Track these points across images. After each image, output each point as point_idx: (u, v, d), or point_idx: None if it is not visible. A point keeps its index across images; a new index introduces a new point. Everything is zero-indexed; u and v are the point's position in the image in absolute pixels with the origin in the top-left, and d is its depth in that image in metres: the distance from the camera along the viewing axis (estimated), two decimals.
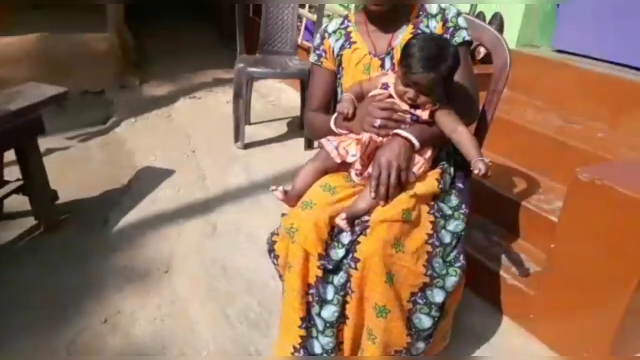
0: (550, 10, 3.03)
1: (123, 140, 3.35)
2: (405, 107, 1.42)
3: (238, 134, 3.30)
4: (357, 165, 1.44)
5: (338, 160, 1.46)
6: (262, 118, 3.83)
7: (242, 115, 3.29)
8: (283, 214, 1.55)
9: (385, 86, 1.47)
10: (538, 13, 3.02)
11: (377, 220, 1.34)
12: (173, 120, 3.74)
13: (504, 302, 1.93)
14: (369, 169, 1.43)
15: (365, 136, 1.42)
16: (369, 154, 1.43)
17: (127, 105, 3.87)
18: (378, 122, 1.42)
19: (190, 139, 3.42)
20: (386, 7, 1.51)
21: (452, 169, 1.57)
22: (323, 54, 1.67)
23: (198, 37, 6.06)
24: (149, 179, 2.87)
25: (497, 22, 3.02)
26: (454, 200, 1.52)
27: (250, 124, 3.65)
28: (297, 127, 3.66)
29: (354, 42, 1.61)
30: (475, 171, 1.34)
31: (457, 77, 1.50)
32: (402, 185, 1.40)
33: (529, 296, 1.83)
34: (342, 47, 1.63)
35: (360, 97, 1.53)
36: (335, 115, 1.57)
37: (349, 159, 1.45)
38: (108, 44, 4.15)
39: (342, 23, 1.67)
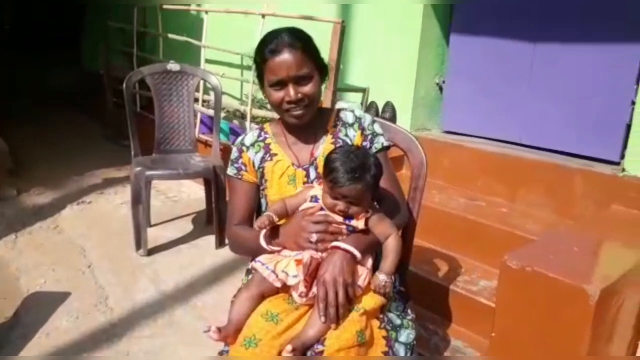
0: (436, 96, 3.29)
1: (4, 263, 2.92)
2: (339, 219, 1.39)
3: (140, 241, 3.05)
4: (301, 288, 1.35)
5: (278, 285, 1.37)
6: (164, 217, 3.60)
7: (142, 221, 3.06)
8: (221, 353, 1.39)
9: (315, 199, 1.43)
10: (426, 99, 3.26)
11: (333, 349, 1.25)
12: (62, 231, 3.37)
13: None
14: (313, 289, 1.35)
15: (305, 256, 1.35)
16: (311, 272, 1.36)
17: (5, 221, 3.42)
18: (314, 236, 1.36)
19: (85, 252, 3.08)
20: (305, 120, 1.51)
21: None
22: (243, 167, 1.61)
23: (81, 134, 5.69)
24: (40, 307, 2.49)
25: (390, 110, 3.20)
26: (399, 306, 1.49)
27: (151, 225, 3.40)
28: (204, 223, 3.49)
29: (275, 154, 1.58)
30: (372, 285, 1.37)
31: (382, 182, 1.52)
32: (349, 300, 1.34)
33: None
34: (262, 160, 1.59)
35: (284, 214, 1.47)
36: (264, 230, 1.48)
37: (290, 282, 1.36)
38: None
39: (259, 135, 1.63)
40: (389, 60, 3.29)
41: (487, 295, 2.08)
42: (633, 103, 2.40)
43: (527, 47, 2.80)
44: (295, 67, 1.43)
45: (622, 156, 2.46)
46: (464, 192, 2.73)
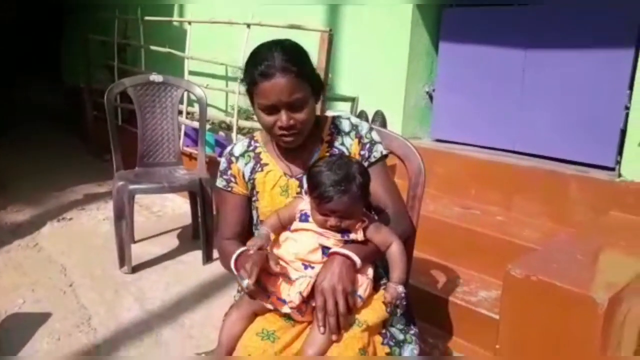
0: (426, 104, 3.26)
1: None
2: (330, 241, 1.30)
3: (123, 258, 2.93)
4: (296, 302, 1.27)
5: (270, 307, 1.28)
6: (148, 233, 3.48)
7: (126, 237, 2.95)
8: None
9: (304, 214, 1.35)
10: (416, 108, 3.23)
11: None
12: (41, 250, 3.23)
13: None
14: (311, 302, 1.27)
15: (302, 284, 1.26)
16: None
17: None
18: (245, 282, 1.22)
19: (66, 270, 2.95)
20: (296, 145, 1.42)
21: None
22: (232, 179, 1.52)
23: (62, 150, 5.55)
24: (19, 329, 2.36)
25: (380, 119, 3.16)
26: (401, 320, 1.41)
27: (135, 242, 3.28)
28: (190, 238, 3.39)
29: (266, 164, 1.50)
30: (386, 295, 1.30)
31: (381, 191, 1.45)
32: (350, 310, 1.26)
33: None
34: (253, 171, 1.51)
35: (279, 228, 1.39)
36: (236, 253, 1.36)
37: (285, 310, 1.27)
38: None
39: (249, 145, 1.55)
40: (378, 69, 3.26)
41: (488, 306, 2.01)
42: (627, 108, 2.38)
43: (518, 54, 2.78)
44: (288, 93, 1.31)
45: (617, 162, 2.44)
46: (458, 201, 2.68)
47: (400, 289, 1.30)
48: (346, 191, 1.25)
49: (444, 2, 3.11)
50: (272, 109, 1.35)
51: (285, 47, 1.35)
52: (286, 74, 1.31)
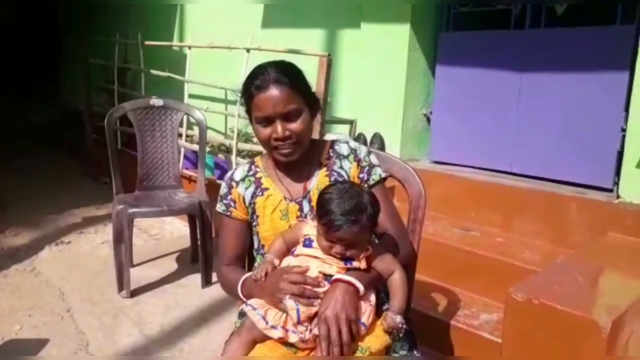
0: (424, 127, 3.29)
1: None
2: (334, 266, 1.31)
3: (122, 282, 2.91)
4: (300, 329, 1.26)
5: (272, 335, 1.27)
6: (147, 257, 3.46)
7: (125, 261, 2.93)
8: None
9: (308, 240, 1.35)
10: (414, 130, 3.25)
11: None
12: (39, 274, 3.21)
13: None
14: (314, 330, 1.26)
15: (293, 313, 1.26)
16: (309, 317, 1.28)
17: None
18: (287, 298, 1.26)
19: (64, 295, 2.93)
20: (294, 157, 1.45)
21: None
22: (232, 204, 1.54)
23: (60, 172, 5.53)
24: (15, 355, 2.33)
25: (378, 141, 3.18)
26: (404, 346, 1.40)
27: (133, 265, 3.26)
28: (189, 261, 3.37)
29: (266, 189, 1.52)
30: (384, 324, 1.30)
31: (381, 215, 1.45)
32: (354, 338, 1.25)
33: None
34: (254, 195, 1.52)
35: (285, 252, 1.40)
36: (242, 279, 1.41)
37: (292, 339, 1.27)
38: None
39: (250, 170, 1.57)
40: (376, 92, 3.29)
41: (490, 329, 2.00)
42: (623, 130, 2.41)
43: (515, 77, 2.81)
44: (282, 104, 1.38)
45: (615, 183, 2.45)
46: (458, 222, 2.68)
47: (399, 319, 1.30)
48: (356, 221, 1.25)
49: (440, 22, 3.16)
50: (268, 121, 1.40)
51: (279, 64, 1.44)
52: (280, 85, 1.38)
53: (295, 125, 1.40)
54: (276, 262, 1.38)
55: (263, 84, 1.38)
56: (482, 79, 2.97)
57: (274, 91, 1.37)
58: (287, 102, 1.38)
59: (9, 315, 2.68)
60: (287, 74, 1.41)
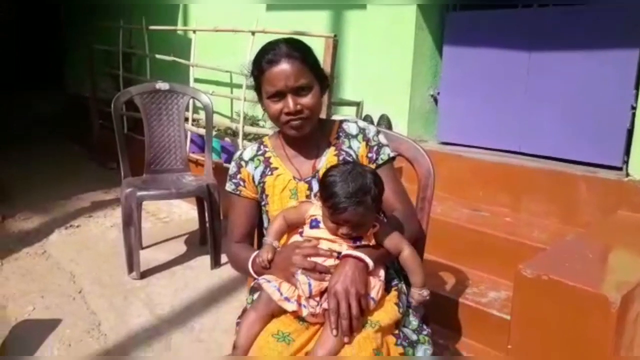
0: (431, 108, 3.27)
1: None
2: (343, 247, 1.31)
3: (132, 264, 2.94)
4: (312, 303, 1.27)
5: (287, 307, 1.28)
6: (156, 239, 3.49)
7: (134, 243, 2.96)
8: None
9: (315, 221, 1.35)
10: (421, 111, 3.24)
11: None
12: (50, 257, 3.24)
13: None
14: (324, 304, 1.27)
15: (304, 287, 1.27)
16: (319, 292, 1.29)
17: None
18: (300, 273, 1.28)
19: (75, 277, 2.96)
20: (304, 132, 1.45)
21: (404, 286, 1.47)
22: (241, 183, 1.55)
23: (67, 158, 5.56)
24: (29, 336, 2.37)
25: (385, 123, 3.17)
26: (413, 321, 1.41)
27: (142, 248, 3.29)
28: (198, 243, 3.39)
29: (276, 168, 1.52)
30: (411, 300, 1.34)
31: (389, 195, 1.46)
32: (363, 313, 1.26)
33: None
34: (263, 174, 1.53)
35: (285, 231, 1.42)
36: (252, 256, 1.43)
37: (304, 313, 1.28)
38: None
39: (259, 149, 1.58)
40: (382, 73, 3.27)
41: (498, 306, 2.01)
42: (633, 108, 2.38)
43: (523, 55, 2.79)
44: (294, 78, 1.38)
45: (624, 161, 2.44)
46: (466, 203, 2.68)
47: (425, 292, 1.33)
48: (361, 203, 1.24)
49: (447, 1, 3.12)
50: (279, 96, 1.40)
51: (289, 40, 1.46)
52: (291, 60, 1.39)
53: (306, 100, 1.40)
54: (276, 244, 1.39)
55: (275, 58, 1.38)
56: (490, 58, 2.94)
57: (285, 65, 1.38)
58: (298, 76, 1.38)
59: (22, 297, 2.72)
60: (298, 49, 1.42)
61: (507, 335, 1.66)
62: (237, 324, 1.37)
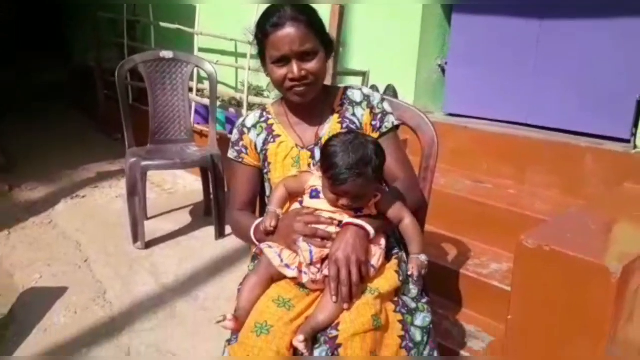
0: (438, 78, 3.22)
1: None
2: (344, 217, 1.31)
3: (137, 234, 2.97)
4: (312, 270, 1.28)
5: (287, 273, 1.29)
6: (161, 210, 3.51)
7: (139, 213, 2.98)
8: (229, 341, 1.31)
9: (315, 191, 1.35)
10: (428, 82, 3.19)
11: (348, 335, 1.18)
12: (56, 226, 3.28)
13: None
14: (324, 270, 1.28)
15: (305, 254, 1.28)
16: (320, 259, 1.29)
17: None
18: (301, 240, 1.29)
19: (81, 246, 3.00)
20: (308, 99, 1.43)
21: (404, 255, 1.47)
22: (244, 150, 1.54)
23: (73, 129, 5.57)
24: (36, 303, 2.42)
25: (391, 93, 3.12)
26: (413, 289, 1.41)
27: (147, 218, 3.31)
28: (202, 214, 3.41)
29: (278, 136, 1.51)
30: (410, 269, 1.32)
31: (393, 163, 1.45)
32: (363, 280, 1.27)
33: None
34: (265, 142, 1.52)
35: (286, 200, 1.42)
36: (255, 224, 1.43)
37: (304, 279, 1.29)
38: None
39: (261, 116, 1.56)
40: (389, 42, 3.21)
41: (499, 278, 2.01)
42: None
43: (533, 24, 2.71)
44: (299, 42, 1.34)
45: (633, 133, 2.39)
46: (470, 175, 2.66)
47: (423, 257, 1.33)
48: (361, 174, 1.22)
49: None
50: (283, 61, 1.37)
51: (294, 2, 1.39)
52: (297, 23, 1.34)
53: (311, 65, 1.37)
54: (279, 212, 1.39)
55: (280, 22, 1.34)
56: (499, 27, 2.87)
57: (290, 29, 1.34)
58: (304, 41, 1.35)
59: (29, 266, 2.76)
60: (304, 12, 1.37)
61: (506, 306, 1.66)
62: (239, 290, 1.38)
